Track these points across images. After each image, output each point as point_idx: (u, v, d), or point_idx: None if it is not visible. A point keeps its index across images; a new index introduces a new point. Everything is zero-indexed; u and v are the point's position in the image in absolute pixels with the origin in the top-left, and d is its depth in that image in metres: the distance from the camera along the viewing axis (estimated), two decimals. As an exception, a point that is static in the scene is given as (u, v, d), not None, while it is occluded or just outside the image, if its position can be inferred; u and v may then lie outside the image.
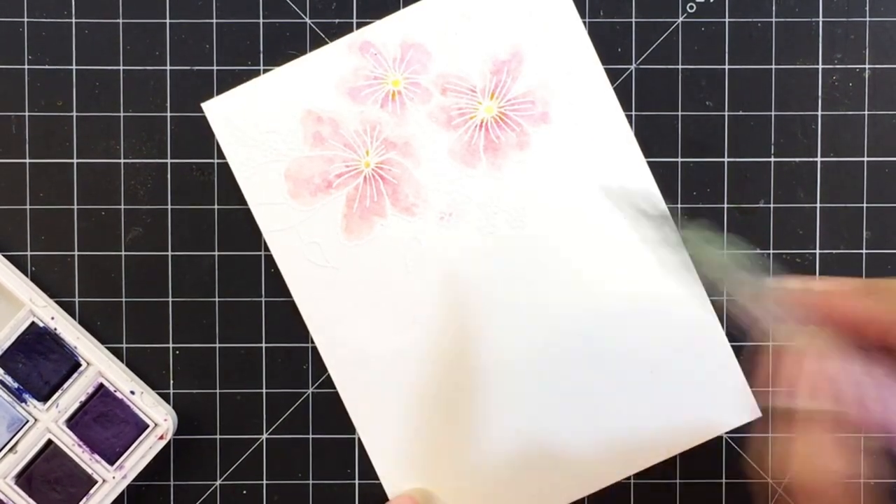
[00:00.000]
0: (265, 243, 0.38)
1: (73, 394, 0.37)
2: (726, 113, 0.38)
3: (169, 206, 0.38)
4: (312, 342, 0.38)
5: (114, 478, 0.36)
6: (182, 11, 0.38)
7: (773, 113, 0.38)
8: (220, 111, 0.38)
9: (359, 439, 0.38)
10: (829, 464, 0.27)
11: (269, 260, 0.38)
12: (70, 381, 0.37)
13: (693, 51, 0.38)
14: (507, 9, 0.38)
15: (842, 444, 0.27)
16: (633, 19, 0.38)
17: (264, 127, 0.37)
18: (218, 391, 0.38)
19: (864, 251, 0.38)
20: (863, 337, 0.28)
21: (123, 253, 0.38)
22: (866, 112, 0.38)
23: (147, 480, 0.38)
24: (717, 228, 0.37)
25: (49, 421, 0.37)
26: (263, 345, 0.38)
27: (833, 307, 0.29)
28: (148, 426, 0.37)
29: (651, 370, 0.37)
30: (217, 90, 0.38)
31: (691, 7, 0.38)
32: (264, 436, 0.38)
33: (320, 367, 0.38)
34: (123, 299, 0.38)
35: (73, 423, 0.37)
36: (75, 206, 0.38)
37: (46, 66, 0.38)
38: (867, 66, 0.38)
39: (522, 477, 0.38)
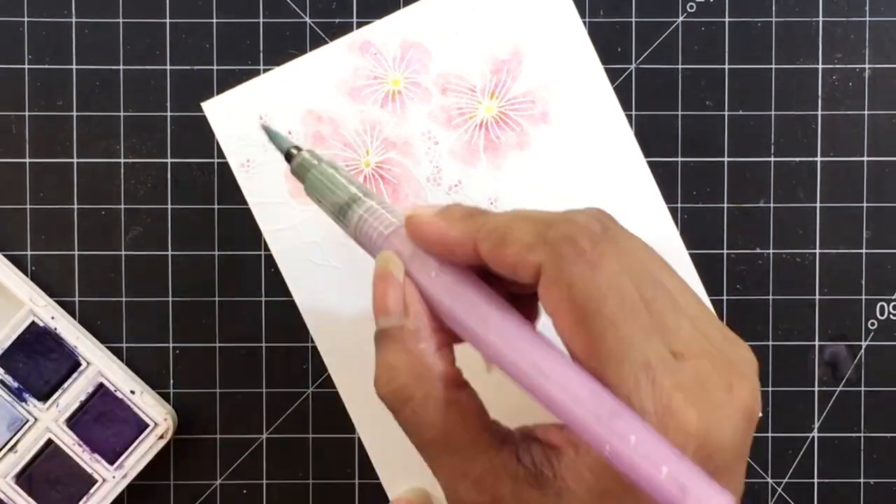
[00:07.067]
0: (265, 243, 0.38)
1: (73, 393, 0.37)
2: (726, 113, 0.38)
3: (169, 206, 0.38)
4: (312, 342, 0.38)
5: (114, 477, 0.36)
6: (182, 11, 0.38)
7: (773, 113, 0.38)
8: (220, 111, 0.38)
9: (359, 439, 0.38)
10: (398, 377, 0.27)
11: (269, 260, 0.38)
12: (70, 380, 0.37)
13: (693, 50, 0.38)
14: (507, 9, 0.38)
15: (413, 356, 0.27)
16: (633, 19, 0.38)
17: (264, 127, 0.37)
18: (218, 391, 0.38)
19: (864, 251, 0.38)
20: (454, 257, 0.28)
21: (123, 253, 0.38)
22: (866, 112, 0.38)
23: (147, 480, 0.38)
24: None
25: (49, 420, 0.37)
26: (263, 345, 0.38)
27: (417, 232, 0.28)
28: (148, 426, 0.37)
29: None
30: (217, 90, 0.38)
31: (691, 7, 0.38)
32: (264, 435, 0.38)
33: (320, 367, 0.38)
34: (123, 299, 0.38)
35: (73, 422, 0.37)
36: (75, 206, 0.38)
37: (46, 66, 0.38)
38: (867, 66, 0.38)
39: (522, 477, 0.38)
